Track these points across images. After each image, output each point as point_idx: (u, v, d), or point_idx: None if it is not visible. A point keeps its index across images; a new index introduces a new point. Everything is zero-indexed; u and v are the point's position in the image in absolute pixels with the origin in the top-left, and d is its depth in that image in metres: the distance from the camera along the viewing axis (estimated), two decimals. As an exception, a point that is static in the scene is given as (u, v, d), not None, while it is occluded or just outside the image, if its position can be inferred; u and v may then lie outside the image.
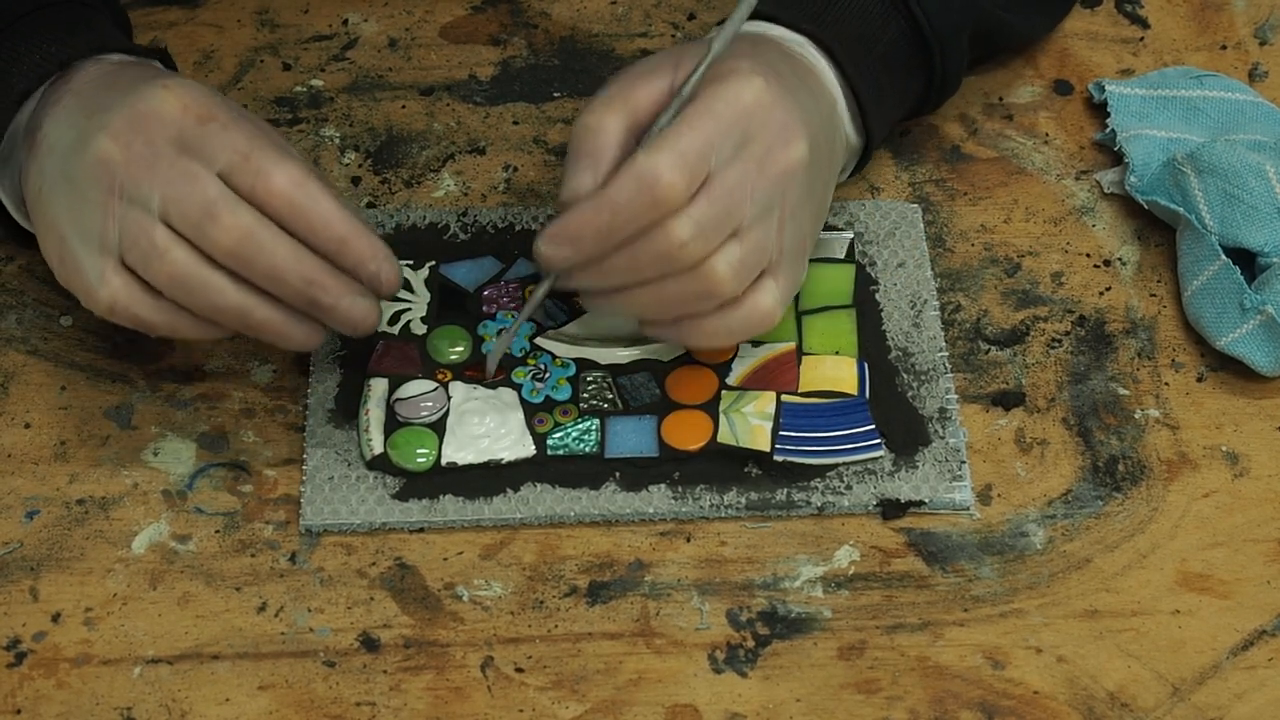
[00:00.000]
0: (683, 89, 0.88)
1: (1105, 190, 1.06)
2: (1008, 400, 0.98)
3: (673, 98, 0.88)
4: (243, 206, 0.85)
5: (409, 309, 0.99)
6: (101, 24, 0.96)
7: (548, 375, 0.96)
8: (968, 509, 0.94)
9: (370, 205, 1.04)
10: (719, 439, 0.94)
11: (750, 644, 0.90)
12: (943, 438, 0.95)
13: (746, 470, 0.94)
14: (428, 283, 1.00)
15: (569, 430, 0.95)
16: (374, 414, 0.95)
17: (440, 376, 0.96)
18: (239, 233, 0.85)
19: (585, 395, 0.96)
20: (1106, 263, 1.03)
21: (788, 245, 0.90)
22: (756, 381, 0.96)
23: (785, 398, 0.96)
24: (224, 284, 0.86)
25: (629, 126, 0.89)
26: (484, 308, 0.99)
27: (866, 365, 0.97)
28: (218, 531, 0.92)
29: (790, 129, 0.89)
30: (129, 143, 0.85)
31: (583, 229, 0.87)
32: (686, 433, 0.95)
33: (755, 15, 0.96)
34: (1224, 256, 0.98)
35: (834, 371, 0.97)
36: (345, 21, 1.13)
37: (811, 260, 1.00)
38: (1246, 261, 1.00)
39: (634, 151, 0.87)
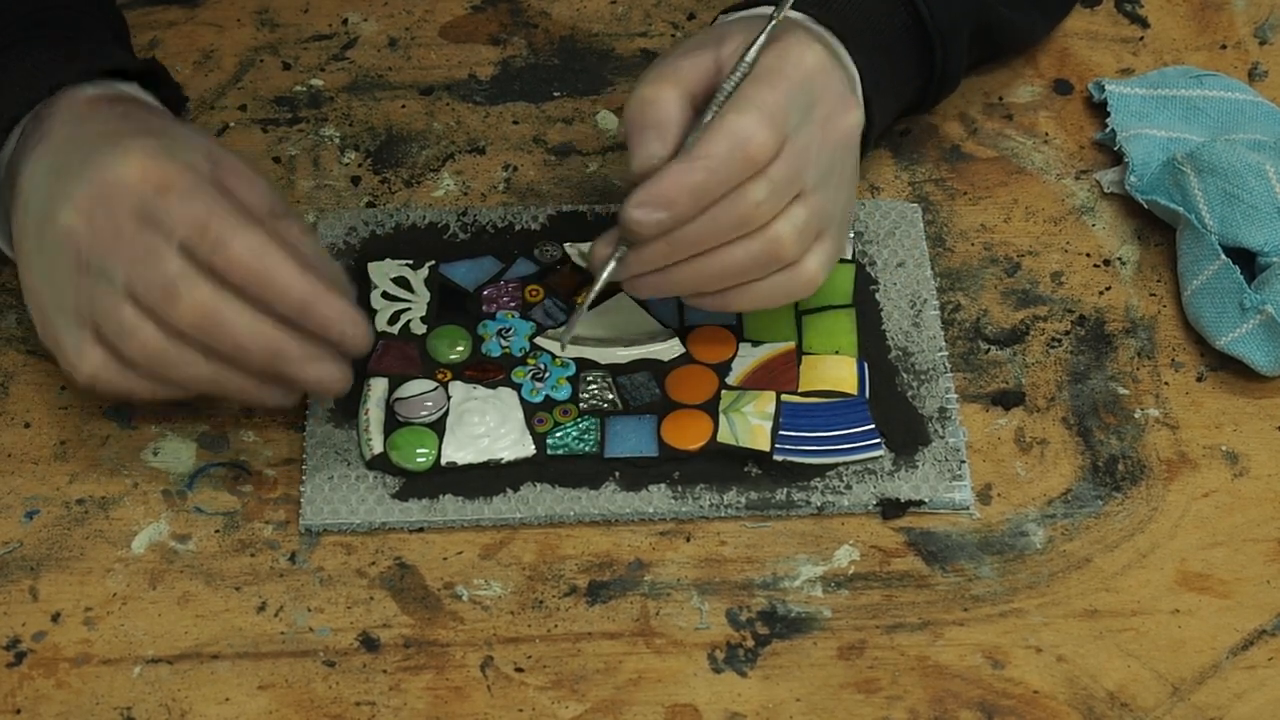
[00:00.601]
0: (746, 54, 0.88)
1: (1105, 190, 1.06)
2: (1008, 400, 0.98)
3: (735, 63, 0.88)
4: (202, 282, 0.85)
5: (409, 309, 0.99)
6: (91, 46, 0.95)
7: (548, 375, 0.96)
8: (967, 509, 0.94)
9: (370, 205, 1.04)
10: (719, 439, 0.94)
11: (750, 644, 0.90)
12: (942, 437, 0.95)
13: (746, 470, 0.94)
14: (427, 282, 1.00)
15: (569, 430, 0.95)
16: (374, 414, 0.95)
17: (440, 376, 0.96)
18: (199, 311, 0.84)
19: (585, 395, 0.96)
20: (1106, 262, 1.03)
21: (839, 211, 0.91)
22: (756, 381, 0.96)
23: (785, 397, 0.96)
24: (195, 357, 0.86)
25: (684, 96, 0.89)
26: (484, 307, 0.99)
27: (866, 365, 0.97)
28: (218, 531, 0.92)
29: (846, 96, 0.90)
30: (91, 215, 0.85)
31: (678, 190, 0.86)
32: (686, 432, 0.94)
33: (763, 1, 0.96)
34: (1224, 256, 0.98)
35: (834, 371, 0.97)
36: (345, 21, 1.13)
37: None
38: (1246, 261, 1.00)
39: (698, 119, 0.87)
